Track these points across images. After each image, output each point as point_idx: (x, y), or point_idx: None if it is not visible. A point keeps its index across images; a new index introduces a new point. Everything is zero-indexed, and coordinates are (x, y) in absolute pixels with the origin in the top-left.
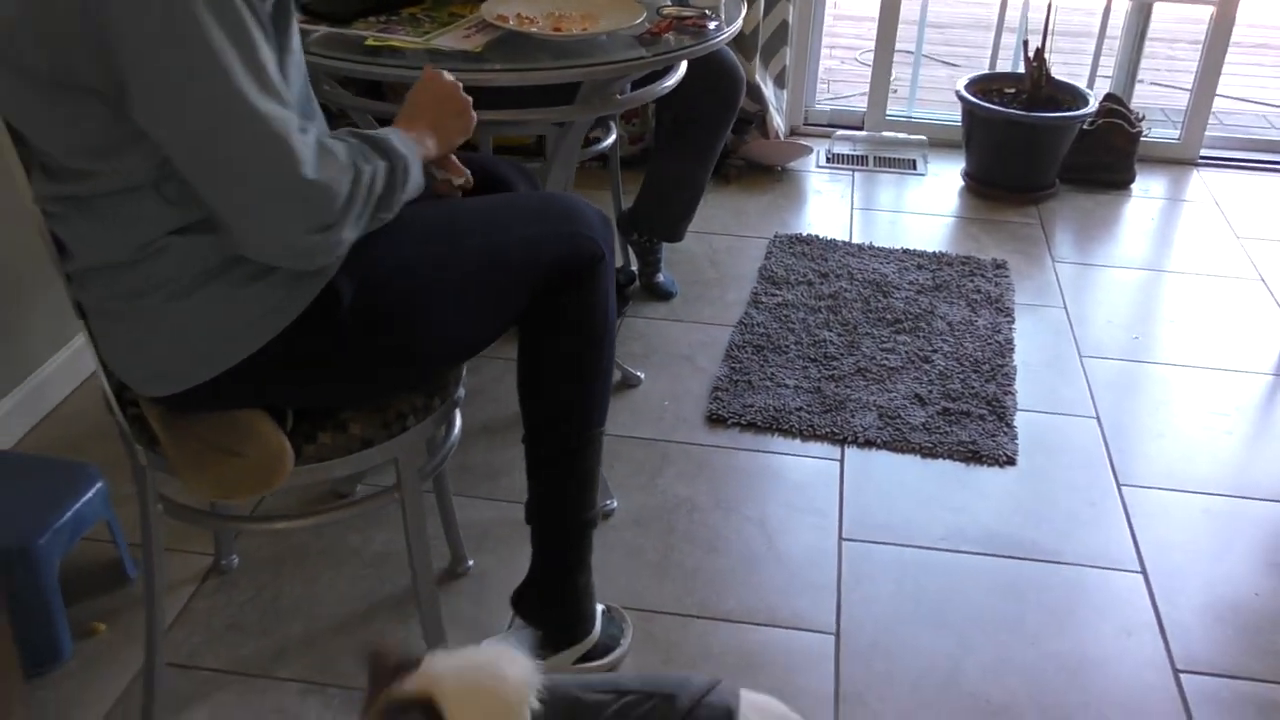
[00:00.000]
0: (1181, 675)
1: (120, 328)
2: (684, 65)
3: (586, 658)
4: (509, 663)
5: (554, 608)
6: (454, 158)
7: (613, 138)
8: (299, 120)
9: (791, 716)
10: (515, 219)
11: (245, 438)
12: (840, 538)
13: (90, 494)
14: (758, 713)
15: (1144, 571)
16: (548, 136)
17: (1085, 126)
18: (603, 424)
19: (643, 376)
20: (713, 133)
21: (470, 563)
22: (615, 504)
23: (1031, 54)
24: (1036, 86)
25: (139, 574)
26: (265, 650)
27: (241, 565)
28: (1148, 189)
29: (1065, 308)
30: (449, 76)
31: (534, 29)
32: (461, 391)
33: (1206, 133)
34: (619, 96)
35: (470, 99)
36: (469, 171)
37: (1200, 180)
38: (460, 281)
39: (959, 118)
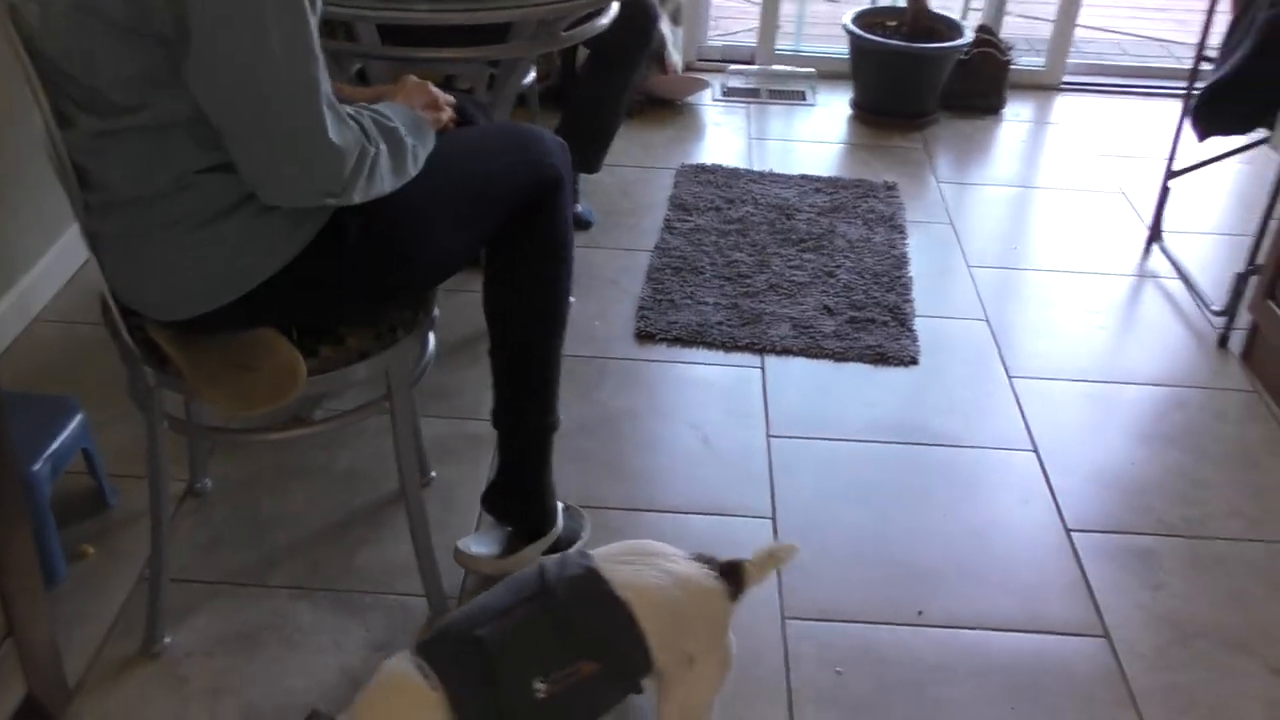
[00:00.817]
0: (1073, 533)
1: (143, 256)
2: (616, 4)
3: (553, 549)
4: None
5: (521, 505)
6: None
7: (532, 75)
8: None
9: (637, 544)
10: (492, 150)
11: (260, 353)
12: (768, 435)
13: (73, 424)
14: (609, 559)
15: (1036, 449)
16: (458, 75)
17: (961, 56)
18: (562, 335)
19: (573, 300)
20: (629, 67)
21: (434, 474)
22: (560, 416)
23: None
24: (917, 19)
25: (118, 500)
26: (251, 561)
27: (215, 488)
28: (1018, 113)
29: (951, 223)
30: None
31: None
32: (437, 310)
33: (1068, 60)
34: (562, 34)
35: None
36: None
37: (1064, 104)
38: (451, 209)
39: (845, 51)
